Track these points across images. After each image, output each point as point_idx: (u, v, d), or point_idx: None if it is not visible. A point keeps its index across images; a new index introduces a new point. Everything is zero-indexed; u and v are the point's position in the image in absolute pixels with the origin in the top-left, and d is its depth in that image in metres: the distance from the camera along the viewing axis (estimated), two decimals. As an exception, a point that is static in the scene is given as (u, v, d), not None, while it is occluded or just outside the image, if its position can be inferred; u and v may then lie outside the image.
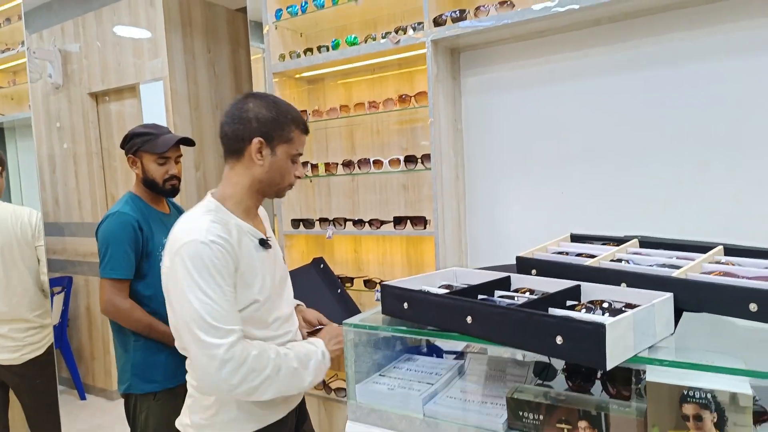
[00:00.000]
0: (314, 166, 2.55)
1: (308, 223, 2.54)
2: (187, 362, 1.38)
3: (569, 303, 1.06)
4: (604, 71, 1.97)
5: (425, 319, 1.12)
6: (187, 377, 1.40)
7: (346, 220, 2.43)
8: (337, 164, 2.47)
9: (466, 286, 1.21)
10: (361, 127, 2.60)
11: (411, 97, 2.28)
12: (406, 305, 1.14)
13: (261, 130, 1.26)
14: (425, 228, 2.23)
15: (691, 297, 0.98)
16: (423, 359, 1.36)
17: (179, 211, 2.08)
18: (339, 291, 2.41)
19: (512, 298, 1.12)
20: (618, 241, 1.33)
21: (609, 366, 0.84)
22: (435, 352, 1.40)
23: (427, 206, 2.39)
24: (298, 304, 1.64)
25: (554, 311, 0.99)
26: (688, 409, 0.82)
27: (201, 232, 1.19)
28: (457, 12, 2.01)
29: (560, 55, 2.05)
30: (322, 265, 2.47)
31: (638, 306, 0.94)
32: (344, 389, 1.39)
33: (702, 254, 1.13)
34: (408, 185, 2.49)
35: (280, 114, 1.29)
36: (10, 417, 2.51)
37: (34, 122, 3.08)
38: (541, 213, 2.12)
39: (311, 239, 2.71)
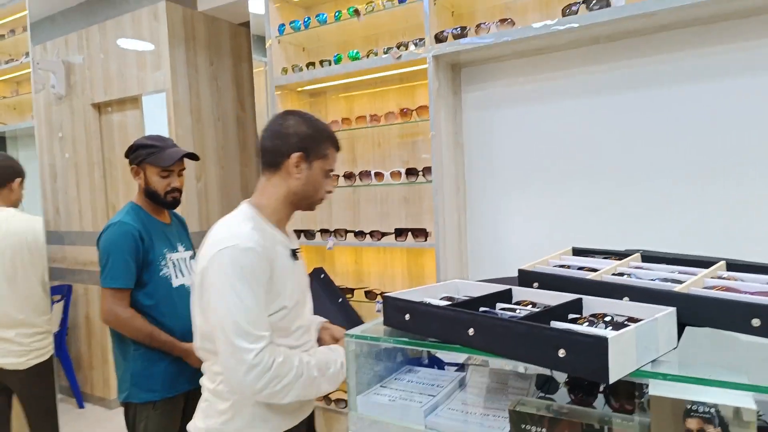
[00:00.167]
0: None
1: (309, 234, 2.54)
2: (204, 365, 1.41)
3: (571, 316, 1.06)
4: (603, 88, 1.99)
5: (427, 330, 1.12)
6: (202, 381, 1.42)
7: (347, 231, 2.44)
8: (338, 176, 2.48)
9: (467, 298, 1.21)
10: (363, 140, 2.62)
11: (412, 110, 2.30)
12: (408, 317, 1.14)
13: (300, 145, 1.34)
14: (426, 240, 2.24)
15: (694, 312, 0.98)
16: (424, 371, 1.35)
17: (180, 222, 2.09)
18: (340, 300, 2.41)
19: (514, 310, 1.12)
20: (620, 255, 1.33)
21: (611, 379, 0.84)
22: (436, 363, 1.40)
23: (428, 218, 2.40)
24: (322, 322, 1.64)
25: (556, 324, 0.99)
26: (692, 423, 0.82)
27: (242, 239, 1.25)
28: (459, 29, 2.04)
29: (560, 72, 2.08)
30: (322, 275, 2.47)
31: (641, 320, 0.94)
32: (345, 400, 1.38)
33: (704, 269, 1.13)
34: (409, 198, 2.50)
35: (318, 131, 1.37)
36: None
37: (36, 132, 3.10)
38: (541, 226, 2.13)
39: (312, 250, 2.71)
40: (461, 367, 1.36)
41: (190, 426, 1.43)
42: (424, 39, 2.12)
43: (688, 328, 1.02)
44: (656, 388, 0.86)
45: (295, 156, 1.33)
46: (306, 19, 2.48)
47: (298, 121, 1.36)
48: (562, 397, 1.14)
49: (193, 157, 1.93)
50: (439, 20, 2.14)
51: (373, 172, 2.39)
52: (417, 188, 2.45)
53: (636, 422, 0.98)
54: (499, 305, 1.17)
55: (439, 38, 2.08)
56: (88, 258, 3.65)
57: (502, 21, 2.00)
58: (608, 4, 1.73)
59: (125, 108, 3.56)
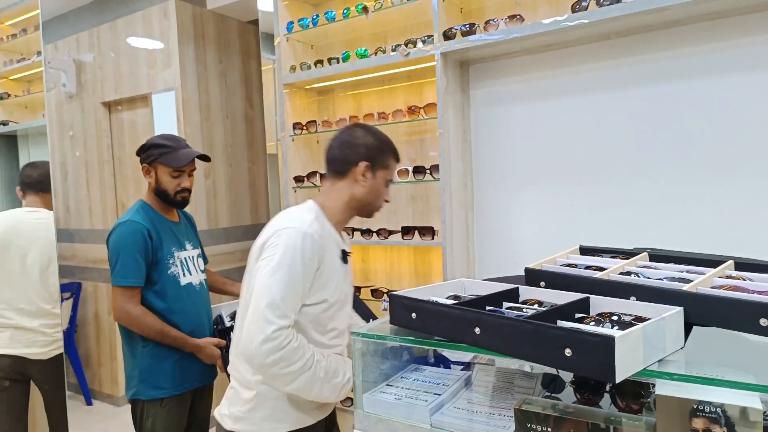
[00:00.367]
0: (323, 176, 2.56)
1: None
2: (232, 350, 1.48)
3: (578, 315, 1.06)
4: (612, 85, 1.98)
5: (433, 329, 1.12)
6: (229, 369, 1.50)
7: (354, 229, 2.44)
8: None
9: (474, 296, 1.21)
10: (370, 138, 2.62)
11: (420, 108, 2.30)
12: (414, 315, 1.14)
13: (367, 155, 1.46)
14: (433, 238, 2.24)
15: (701, 311, 0.98)
16: (430, 369, 1.36)
17: (189, 220, 2.10)
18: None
19: (521, 309, 1.12)
20: (627, 254, 1.33)
21: (618, 379, 0.84)
22: (442, 362, 1.40)
23: (436, 217, 2.40)
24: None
25: (563, 323, 0.98)
26: (698, 423, 0.81)
27: (304, 224, 1.37)
28: (467, 26, 2.03)
29: (569, 68, 2.06)
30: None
31: (648, 319, 0.93)
32: (351, 398, 1.39)
33: (712, 268, 1.13)
34: (416, 196, 2.50)
35: (383, 143, 1.49)
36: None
37: (48, 130, 3.13)
38: (549, 224, 2.12)
39: (319, 249, 2.72)
40: (467, 365, 1.36)
41: (216, 411, 1.49)
42: (432, 36, 2.11)
43: (695, 328, 1.01)
44: (663, 388, 0.85)
45: (362, 165, 1.44)
46: (314, 17, 2.48)
47: (366, 133, 1.48)
48: (568, 396, 1.14)
49: (204, 158, 1.94)
50: (447, 17, 2.13)
51: (380, 170, 2.39)
52: (424, 186, 2.45)
53: (642, 422, 0.98)
54: (506, 304, 1.17)
55: (448, 35, 2.08)
56: (98, 256, 3.68)
57: (511, 17, 1.99)
58: (618, 0, 1.72)
59: (135, 106, 3.59)
